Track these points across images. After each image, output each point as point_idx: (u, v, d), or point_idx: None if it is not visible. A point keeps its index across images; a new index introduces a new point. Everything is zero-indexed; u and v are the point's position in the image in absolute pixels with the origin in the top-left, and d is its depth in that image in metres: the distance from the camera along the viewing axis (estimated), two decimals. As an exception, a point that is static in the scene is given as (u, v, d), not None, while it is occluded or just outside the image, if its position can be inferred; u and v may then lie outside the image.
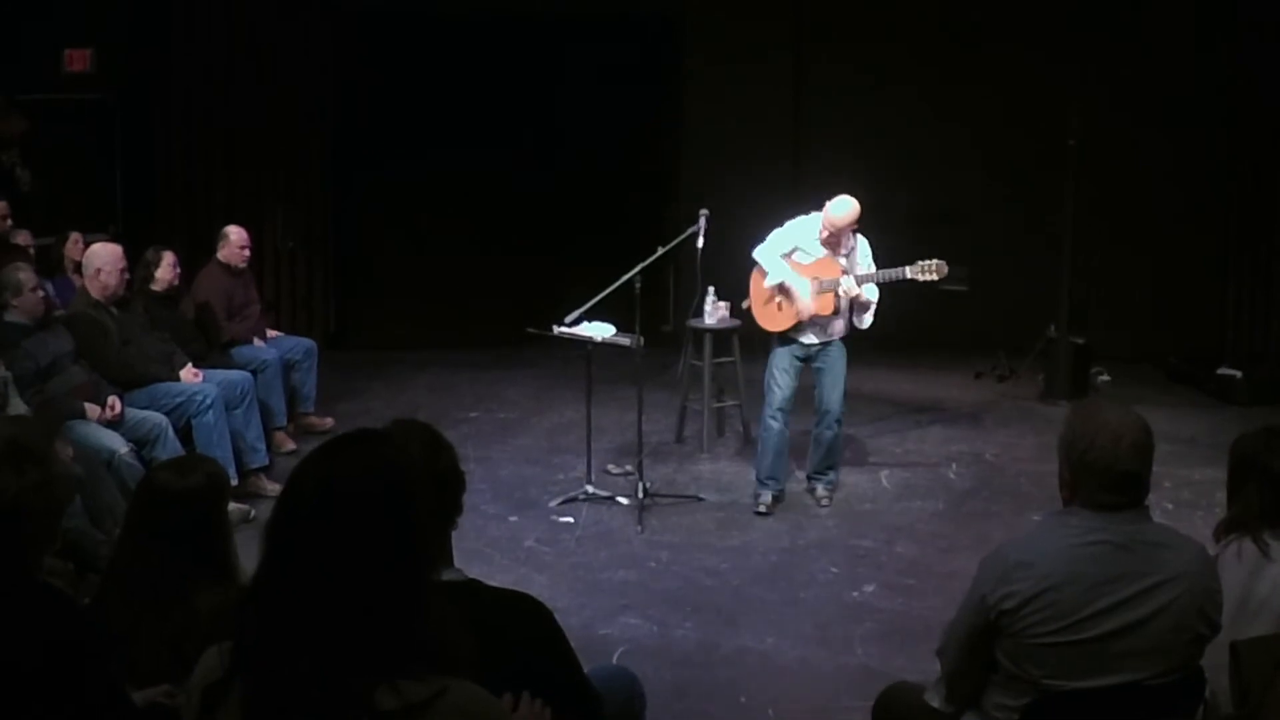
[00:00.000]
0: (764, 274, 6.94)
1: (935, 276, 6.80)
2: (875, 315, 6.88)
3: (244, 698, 2.14)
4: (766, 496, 7.08)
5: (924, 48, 11.04)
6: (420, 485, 2.25)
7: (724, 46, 11.38)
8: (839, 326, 6.92)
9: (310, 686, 2.08)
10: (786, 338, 6.95)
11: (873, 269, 6.80)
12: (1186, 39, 10.42)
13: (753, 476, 7.21)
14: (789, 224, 6.94)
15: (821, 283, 6.78)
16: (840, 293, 6.74)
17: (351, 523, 2.13)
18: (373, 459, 2.22)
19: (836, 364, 6.94)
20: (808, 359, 6.97)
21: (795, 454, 7.37)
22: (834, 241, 6.78)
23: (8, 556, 2.71)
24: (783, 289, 6.85)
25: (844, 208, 6.68)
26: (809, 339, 6.93)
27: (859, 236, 6.86)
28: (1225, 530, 3.62)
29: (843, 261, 6.80)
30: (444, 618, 2.21)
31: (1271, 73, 9.94)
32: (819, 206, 6.79)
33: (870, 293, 6.79)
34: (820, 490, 7.20)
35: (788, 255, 6.88)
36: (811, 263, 6.85)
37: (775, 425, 6.98)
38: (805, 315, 6.82)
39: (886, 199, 10.72)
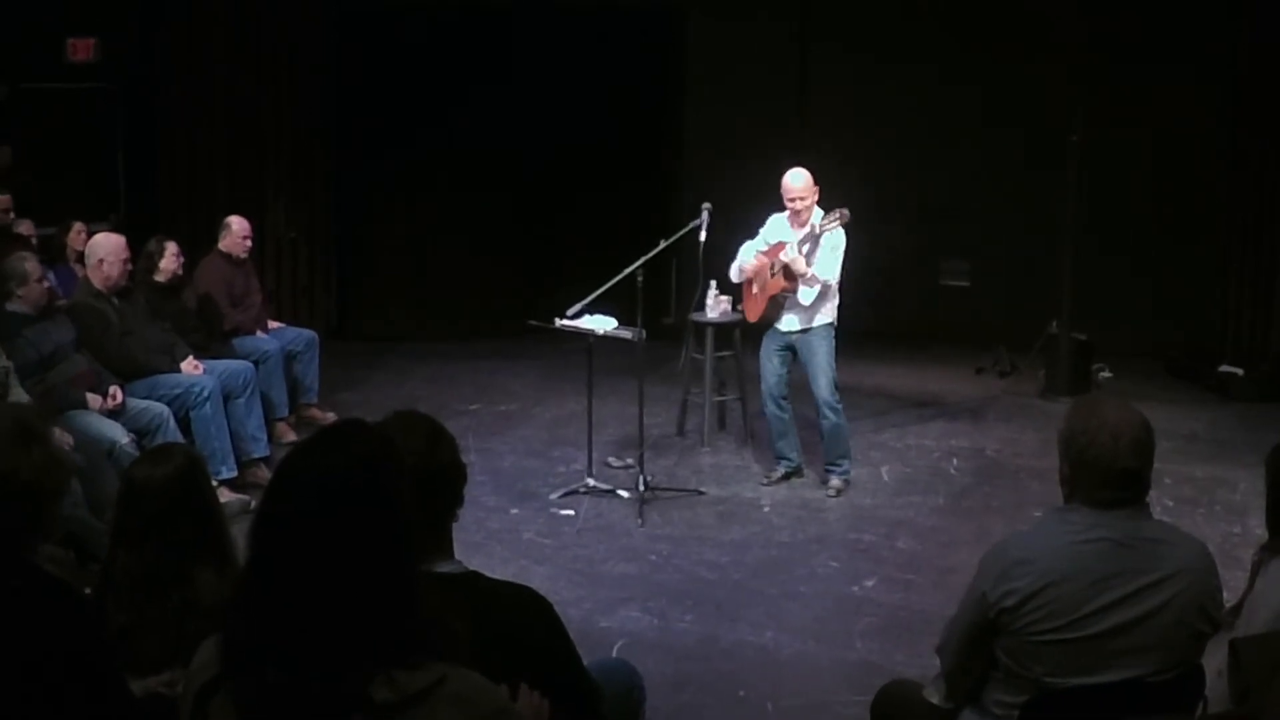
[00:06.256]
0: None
1: (837, 222, 6.87)
2: (825, 297, 7.02)
3: (236, 696, 2.12)
4: (777, 472, 7.44)
5: (928, 42, 11.03)
6: (405, 475, 2.23)
7: (727, 38, 11.38)
8: (809, 311, 7.06)
9: (304, 682, 2.07)
10: (769, 325, 7.23)
11: (837, 265, 6.93)
12: (1188, 35, 10.40)
13: (755, 469, 7.38)
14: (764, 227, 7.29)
15: (773, 264, 7.07)
16: (787, 261, 6.91)
17: (335, 515, 2.11)
18: (354, 451, 2.19)
19: (816, 353, 7.11)
20: (791, 349, 7.20)
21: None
22: (797, 218, 7.01)
23: (9, 539, 2.71)
24: (745, 272, 7.27)
25: (797, 176, 7.05)
26: (785, 324, 7.15)
27: (832, 234, 6.90)
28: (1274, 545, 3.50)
29: (803, 243, 6.95)
30: (436, 605, 2.21)
31: (1273, 70, 9.92)
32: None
33: (820, 271, 6.91)
34: (833, 481, 7.27)
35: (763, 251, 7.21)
36: (769, 248, 7.14)
37: (768, 411, 7.35)
38: (754, 275, 7.21)
39: (890, 193, 10.77)
